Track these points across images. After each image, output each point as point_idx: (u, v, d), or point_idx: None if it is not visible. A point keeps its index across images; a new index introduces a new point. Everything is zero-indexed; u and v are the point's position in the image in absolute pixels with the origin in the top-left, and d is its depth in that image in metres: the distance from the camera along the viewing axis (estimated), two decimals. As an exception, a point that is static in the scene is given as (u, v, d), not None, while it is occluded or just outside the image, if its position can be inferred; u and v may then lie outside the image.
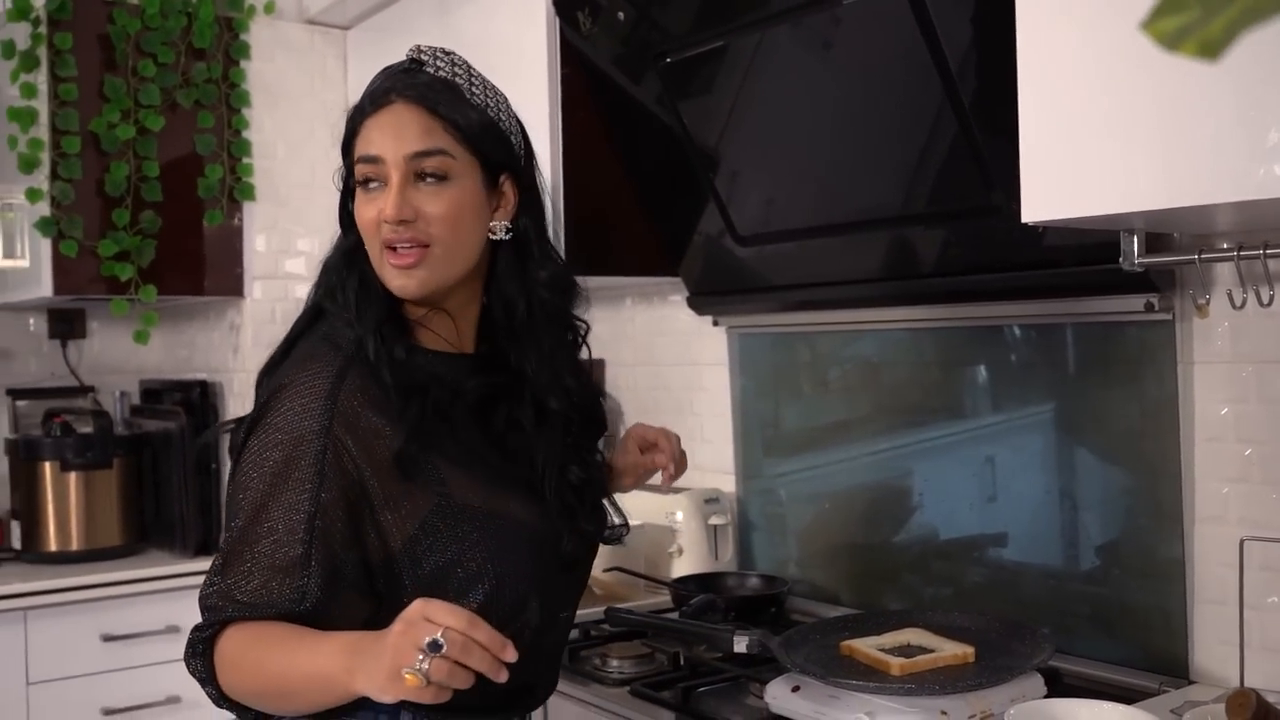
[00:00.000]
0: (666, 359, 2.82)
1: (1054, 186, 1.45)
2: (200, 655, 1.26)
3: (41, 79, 2.79)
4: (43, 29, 2.77)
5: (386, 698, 1.11)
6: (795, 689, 1.68)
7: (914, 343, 2.26)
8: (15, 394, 3.29)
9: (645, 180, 2.50)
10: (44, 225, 2.79)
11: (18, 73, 2.78)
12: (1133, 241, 1.61)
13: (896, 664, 1.64)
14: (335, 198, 1.46)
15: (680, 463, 1.70)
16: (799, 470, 2.50)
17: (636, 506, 2.61)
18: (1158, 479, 1.83)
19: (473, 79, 1.39)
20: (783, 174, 2.21)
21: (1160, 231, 1.68)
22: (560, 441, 1.41)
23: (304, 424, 1.27)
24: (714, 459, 2.67)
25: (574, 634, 2.16)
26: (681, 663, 2.01)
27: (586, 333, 1.51)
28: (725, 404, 2.64)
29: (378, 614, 1.26)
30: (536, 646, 1.36)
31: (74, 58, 2.79)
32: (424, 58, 1.37)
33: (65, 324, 3.39)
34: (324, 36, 3.16)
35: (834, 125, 2.04)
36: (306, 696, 1.22)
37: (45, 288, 2.86)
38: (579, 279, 1.50)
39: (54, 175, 2.79)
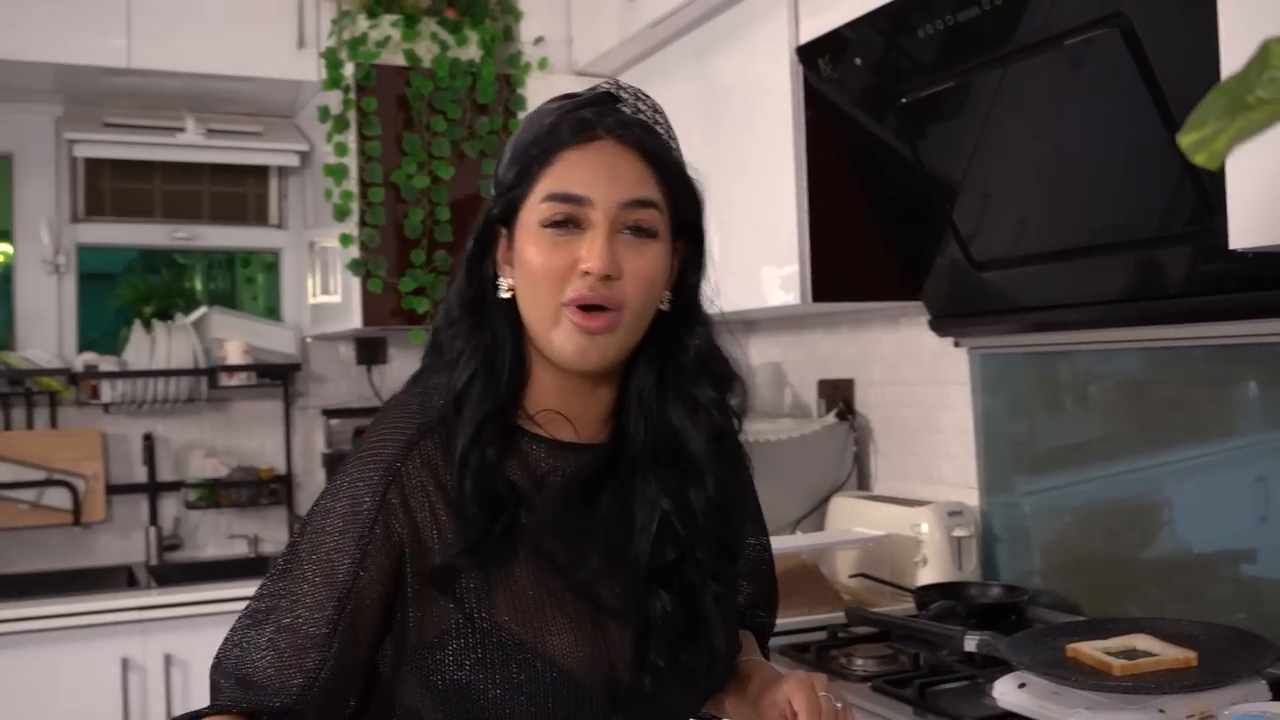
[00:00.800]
0: (912, 378, 2.96)
1: (1259, 214, 1.54)
2: None
3: (351, 139, 3.20)
4: (352, 95, 3.18)
5: None
6: (1021, 685, 1.80)
7: (1162, 360, 2.30)
8: (329, 414, 3.73)
9: (886, 210, 2.65)
10: (354, 266, 3.19)
11: (332, 134, 3.20)
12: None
13: (1118, 665, 1.74)
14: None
15: None
16: (1044, 486, 2.58)
17: (883, 518, 2.76)
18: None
19: (669, 127, 1.24)
20: (1015, 203, 2.32)
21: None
22: (664, 553, 1.18)
23: (360, 493, 1.13)
24: (958, 474, 2.78)
25: (822, 635, 2.35)
26: (921, 663, 2.15)
27: (741, 413, 1.27)
28: (968, 421, 2.75)
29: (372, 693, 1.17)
30: None
31: (378, 119, 3.19)
32: (623, 94, 1.22)
33: (370, 351, 3.80)
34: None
35: (1063, 156, 2.14)
36: None
37: (355, 320, 3.27)
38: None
39: (362, 222, 3.19)
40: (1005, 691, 1.82)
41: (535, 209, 1.15)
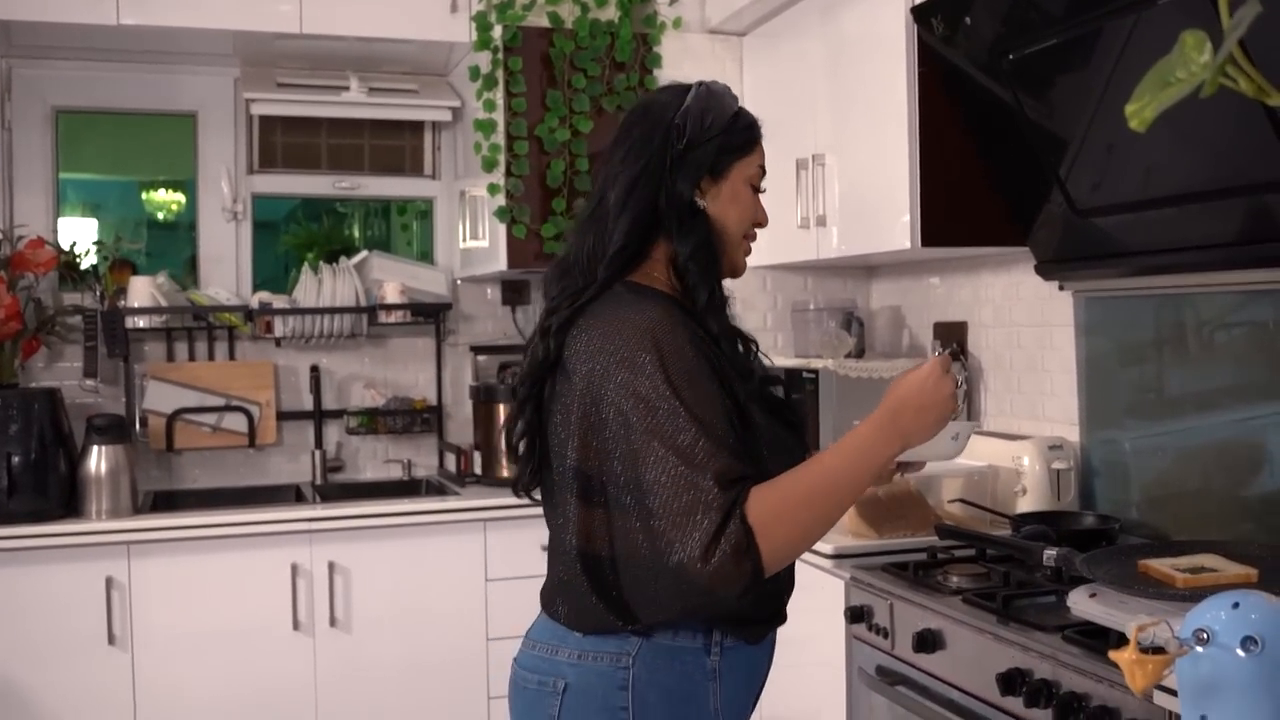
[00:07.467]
0: (1021, 320, 3.11)
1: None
2: (746, 543, 1.45)
3: (499, 95, 3.46)
4: (500, 55, 3.44)
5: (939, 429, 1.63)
6: (1093, 595, 1.98)
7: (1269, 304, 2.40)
8: (476, 350, 4.03)
9: (994, 160, 2.80)
10: (500, 213, 3.46)
11: (481, 91, 3.46)
12: None
13: (1181, 578, 1.90)
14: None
15: None
16: (1144, 422, 2.72)
17: (987, 450, 2.94)
18: None
19: None
20: (1117, 151, 2.44)
21: None
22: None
23: (686, 341, 1.55)
24: (1060, 410, 2.94)
25: (921, 556, 2.55)
26: (1009, 580, 2.33)
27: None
28: (1072, 361, 2.90)
29: None
30: None
31: (523, 77, 3.45)
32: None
33: (514, 292, 4.08)
34: (723, 44, 3.66)
35: (1182, 107, 2.26)
36: (855, 476, 1.55)
37: (501, 263, 3.55)
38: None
39: (508, 172, 3.46)
40: (1078, 600, 2.00)
41: (748, 171, 1.70)
